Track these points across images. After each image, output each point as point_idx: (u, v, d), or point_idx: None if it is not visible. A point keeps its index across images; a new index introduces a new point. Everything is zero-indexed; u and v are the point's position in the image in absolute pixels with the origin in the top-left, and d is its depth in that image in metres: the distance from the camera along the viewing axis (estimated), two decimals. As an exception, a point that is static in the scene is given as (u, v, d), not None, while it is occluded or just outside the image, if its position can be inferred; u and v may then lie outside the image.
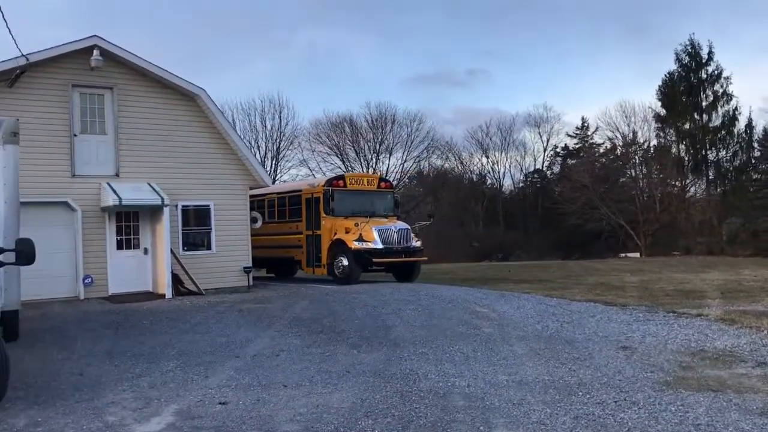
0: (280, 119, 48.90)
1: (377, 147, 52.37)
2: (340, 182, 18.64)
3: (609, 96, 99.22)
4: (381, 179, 20.75)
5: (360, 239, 17.05)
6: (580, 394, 6.55)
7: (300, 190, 19.73)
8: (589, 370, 7.59)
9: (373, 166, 52.32)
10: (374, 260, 17.00)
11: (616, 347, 9.00)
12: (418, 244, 18.11)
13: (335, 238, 17.68)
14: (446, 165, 57.53)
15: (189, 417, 5.94)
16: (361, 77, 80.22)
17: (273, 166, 48.72)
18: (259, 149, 48.43)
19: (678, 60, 45.98)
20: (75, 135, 14.70)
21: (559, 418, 5.74)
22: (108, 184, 14.68)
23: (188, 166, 16.01)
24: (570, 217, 48.41)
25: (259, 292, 16.01)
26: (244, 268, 16.66)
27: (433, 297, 14.04)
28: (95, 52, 14.52)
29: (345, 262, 17.27)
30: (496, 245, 50.69)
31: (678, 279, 19.16)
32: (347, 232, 17.46)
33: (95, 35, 14.67)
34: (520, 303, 13.18)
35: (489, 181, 60.67)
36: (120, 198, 14.17)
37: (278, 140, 49.13)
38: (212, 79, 66.34)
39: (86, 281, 14.48)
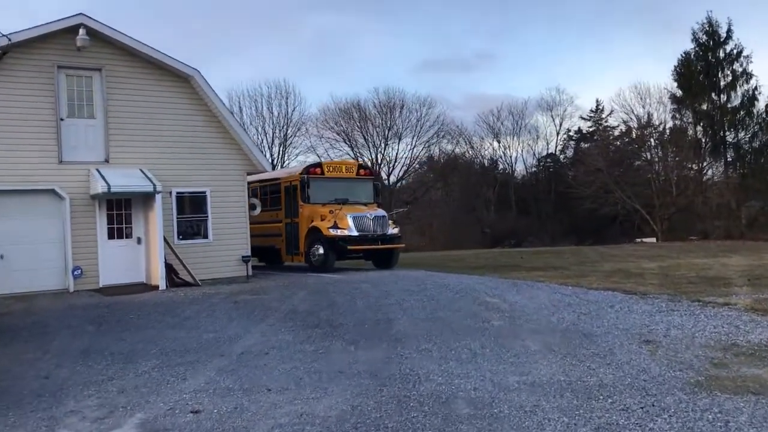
0: (287, 105, 48.11)
1: (386, 132, 51.52)
2: (318, 170, 18.56)
3: (623, 78, 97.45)
4: (360, 166, 20.47)
5: (335, 226, 16.84)
6: (601, 398, 5.74)
7: (279, 179, 19.45)
8: (610, 369, 6.78)
9: (382, 151, 51.55)
10: (349, 248, 16.82)
11: (638, 341, 8.17)
12: (396, 231, 18.00)
13: (311, 225, 17.48)
14: (457, 150, 56.57)
15: (152, 430, 5.20)
16: (369, 64, 79.17)
17: (280, 152, 48.00)
18: (266, 136, 47.74)
19: (695, 38, 44.61)
20: (62, 119, 13.99)
21: (578, 430, 4.94)
22: (97, 170, 13.97)
23: (183, 151, 15.28)
24: (584, 202, 47.39)
25: (257, 282, 15.28)
26: (243, 257, 15.94)
27: (440, 286, 13.25)
28: (81, 31, 13.79)
29: (321, 250, 17.05)
30: (508, 231, 49.77)
31: (699, 265, 18.24)
32: (323, 220, 17.25)
33: (81, 13, 13.92)
34: (533, 292, 12.36)
35: (501, 166, 59.65)
36: (109, 185, 13.45)
37: (285, 127, 48.35)
38: (218, 65, 65.61)
39: (75, 273, 13.81)
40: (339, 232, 16.77)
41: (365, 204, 18.49)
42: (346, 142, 51.34)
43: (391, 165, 52.34)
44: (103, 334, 9.58)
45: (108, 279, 14.21)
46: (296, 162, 48.96)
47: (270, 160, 45.42)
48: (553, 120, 58.59)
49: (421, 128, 51.58)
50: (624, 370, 6.73)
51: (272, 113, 48.02)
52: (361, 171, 19.70)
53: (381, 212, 17.99)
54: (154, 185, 13.96)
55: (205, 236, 15.59)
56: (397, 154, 52.36)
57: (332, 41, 78.33)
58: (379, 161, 52.04)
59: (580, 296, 11.78)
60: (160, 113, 15.00)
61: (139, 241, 14.76)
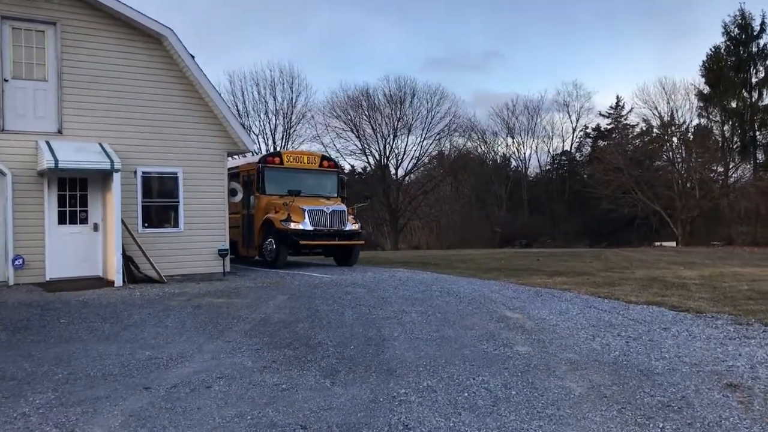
0: (292, 91, 45.82)
1: (395, 123, 49.18)
2: (276, 159, 17.38)
3: (643, 75, 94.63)
4: (324, 158, 18.87)
5: (287, 219, 15.27)
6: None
7: (238, 167, 17.76)
8: (698, 436, 4.56)
9: (390, 143, 49.23)
10: (302, 242, 15.57)
11: (719, 385, 5.93)
12: (356, 227, 16.73)
13: (265, 218, 15.95)
14: (468, 144, 54.14)
15: None
16: (376, 60, 77.00)
17: (284, 141, 45.75)
18: (269, 122, 45.52)
19: (726, 32, 42.01)
20: (6, 80, 11.84)
21: None
22: (46, 142, 11.80)
23: (152, 124, 13.11)
24: (600, 202, 45.00)
25: (233, 281, 13.05)
26: (219, 251, 13.73)
27: (448, 294, 11.02)
28: (31, -25, 11.59)
29: (274, 244, 15.64)
30: (519, 231, 47.45)
31: (746, 275, 15.91)
32: (277, 212, 15.70)
33: (31, -46, 11.73)
34: (562, 305, 10.10)
35: (513, 164, 57.24)
36: (57, 160, 11.28)
37: (290, 114, 46.09)
38: (226, 55, 63.43)
39: (17, 263, 11.66)
40: (292, 226, 15.36)
41: (327, 198, 17.15)
42: (353, 132, 49.08)
43: (399, 158, 50.06)
44: (11, 346, 7.40)
45: (56, 271, 12.06)
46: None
47: (274, 149, 43.31)
48: (570, 116, 56.18)
49: (431, 120, 49.26)
50: (720, 439, 4.51)
51: (276, 99, 45.74)
52: (325, 163, 18.32)
53: (340, 207, 16.59)
54: (112, 162, 11.79)
55: (176, 225, 13.42)
56: (405, 146, 50.10)
57: (339, 36, 76.10)
58: (387, 153, 49.79)
59: (621, 313, 9.52)
60: (125, 79, 12.82)
61: (96, 227, 12.60)
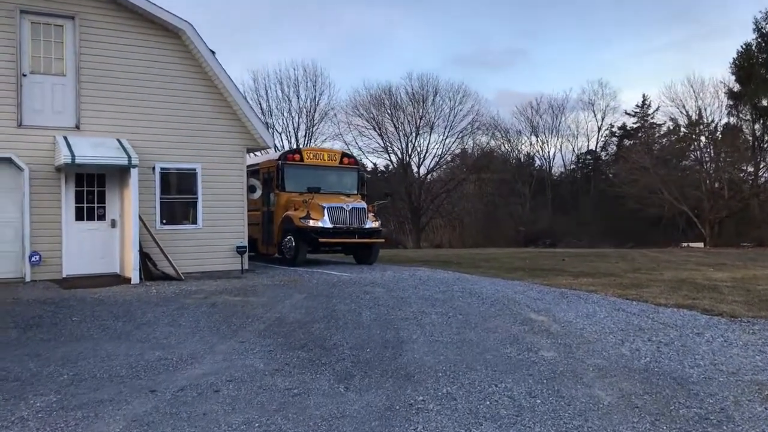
0: (315, 90, 45.66)
1: (418, 122, 48.82)
2: (296, 156, 17.16)
3: (670, 73, 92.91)
4: (344, 155, 18.57)
5: (307, 217, 15.02)
6: None
7: (258, 164, 17.53)
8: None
9: (413, 141, 48.89)
10: (321, 240, 15.21)
11: (760, 396, 5.57)
12: (376, 224, 16.42)
13: (285, 215, 15.76)
14: (491, 143, 53.55)
15: None
16: (397, 59, 76.62)
17: (306, 138, 45.62)
18: (292, 120, 45.42)
19: (757, 28, 41.01)
20: (24, 75, 11.73)
21: None
22: (64, 138, 11.67)
23: (170, 119, 12.94)
24: (626, 202, 44.19)
25: (251, 278, 12.82)
26: (238, 248, 13.52)
27: (470, 294, 10.69)
28: (49, -32, 11.47)
29: (293, 242, 15.40)
30: (543, 230, 46.79)
31: (781, 278, 15.33)
32: (296, 209, 15.50)
33: (48, -53, 11.61)
34: (588, 308, 9.71)
35: (537, 162, 56.51)
36: (73, 155, 11.14)
37: (313, 112, 45.93)
38: (251, 54, 63.53)
39: (33, 259, 11.55)
40: (311, 223, 15.09)
41: (348, 195, 16.87)
42: (375, 130, 48.81)
43: (421, 156, 49.67)
44: (20, 344, 7.23)
45: (73, 268, 11.93)
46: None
47: (297, 146, 43.18)
48: (595, 115, 55.32)
49: (454, 118, 48.81)
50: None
51: (299, 97, 45.60)
52: (345, 160, 18.05)
53: (360, 204, 16.27)
54: (130, 157, 11.62)
55: (194, 221, 13.22)
56: (428, 144, 49.68)
57: (363, 34, 75.86)
58: (410, 152, 49.43)
59: (651, 316, 9.12)
60: (144, 74, 12.66)
61: (113, 224, 12.45)
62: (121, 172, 12.19)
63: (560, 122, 54.84)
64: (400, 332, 7.82)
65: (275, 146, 23.76)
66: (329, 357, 6.70)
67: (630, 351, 7.10)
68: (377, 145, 49.43)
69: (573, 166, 56.50)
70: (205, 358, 6.61)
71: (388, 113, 48.70)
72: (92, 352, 6.84)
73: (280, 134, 44.80)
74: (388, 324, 8.27)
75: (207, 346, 7.16)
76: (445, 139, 49.39)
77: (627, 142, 52.80)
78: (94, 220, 12.29)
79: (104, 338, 7.56)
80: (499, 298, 10.31)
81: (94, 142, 11.78)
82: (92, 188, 12.31)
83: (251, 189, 14.76)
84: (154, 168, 12.65)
